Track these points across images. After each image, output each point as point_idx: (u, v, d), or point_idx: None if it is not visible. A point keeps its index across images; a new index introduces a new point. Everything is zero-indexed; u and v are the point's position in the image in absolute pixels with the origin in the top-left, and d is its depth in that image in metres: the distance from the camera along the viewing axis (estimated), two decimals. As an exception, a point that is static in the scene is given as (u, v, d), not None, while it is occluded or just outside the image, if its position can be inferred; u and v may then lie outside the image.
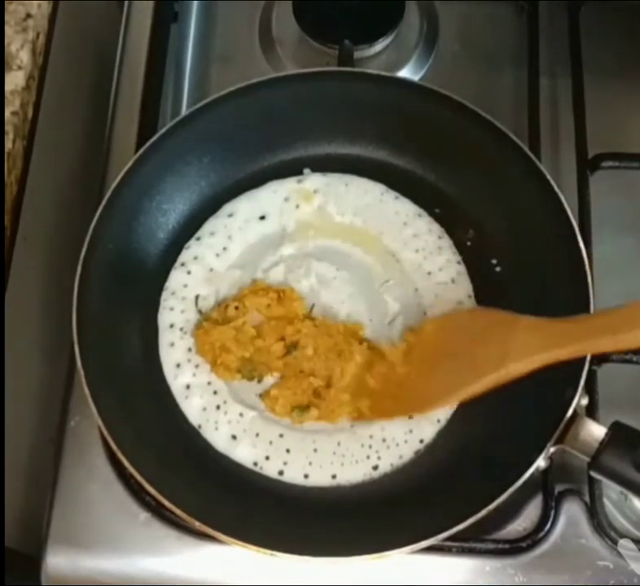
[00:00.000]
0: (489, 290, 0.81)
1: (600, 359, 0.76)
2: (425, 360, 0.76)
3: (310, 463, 0.76)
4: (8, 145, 0.77)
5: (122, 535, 0.75)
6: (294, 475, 0.76)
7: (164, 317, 0.80)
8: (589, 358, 0.71)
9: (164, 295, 0.81)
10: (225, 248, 0.83)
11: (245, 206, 0.84)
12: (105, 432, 0.71)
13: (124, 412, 0.74)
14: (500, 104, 0.90)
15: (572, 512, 0.75)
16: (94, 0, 0.99)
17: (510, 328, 0.70)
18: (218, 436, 0.77)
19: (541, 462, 0.70)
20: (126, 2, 0.93)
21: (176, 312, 0.80)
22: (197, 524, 0.69)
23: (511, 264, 0.81)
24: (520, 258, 0.81)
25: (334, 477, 0.76)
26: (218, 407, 0.77)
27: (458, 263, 0.82)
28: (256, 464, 0.76)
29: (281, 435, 0.77)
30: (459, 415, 0.78)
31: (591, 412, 0.75)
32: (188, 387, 0.78)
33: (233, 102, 0.82)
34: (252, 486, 0.75)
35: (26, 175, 0.82)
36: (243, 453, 0.76)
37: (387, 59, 0.93)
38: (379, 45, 0.91)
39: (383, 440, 0.77)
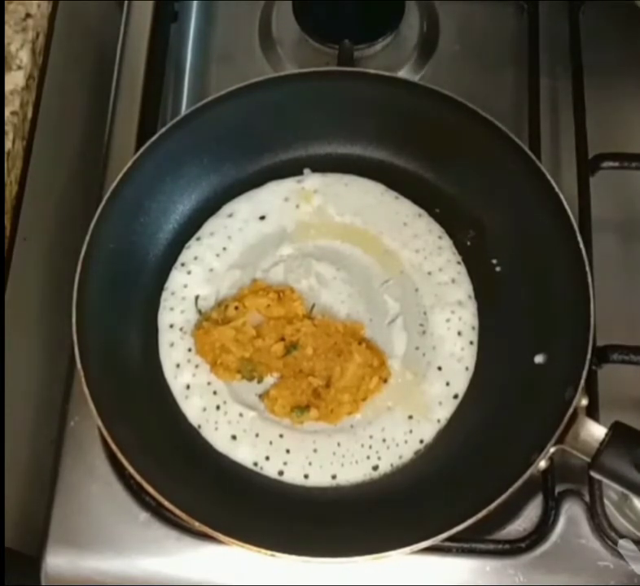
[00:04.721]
0: (489, 290, 0.81)
1: (600, 359, 0.76)
2: None
3: (310, 463, 0.76)
4: (8, 145, 0.77)
5: (122, 535, 0.75)
6: (294, 475, 0.76)
7: (164, 317, 0.80)
8: (589, 358, 0.71)
9: (164, 295, 0.81)
10: (225, 248, 0.83)
11: (245, 206, 0.84)
12: (105, 432, 0.71)
13: (124, 412, 0.74)
14: (500, 104, 0.90)
15: (572, 512, 0.75)
16: (93, 0, 0.99)
17: None
18: (218, 436, 0.77)
19: (541, 462, 0.70)
20: (126, 2, 0.93)
21: (176, 312, 0.80)
22: (197, 524, 0.69)
23: (511, 264, 0.81)
24: (520, 258, 0.81)
25: (334, 477, 0.76)
26: (218, 407, 0.77)
27: (458, 263, 0.82)
28: (256, 464, 0.76)
29: (281, 436, 0.77)
30: (459, 415, 0.78)
31: (591, 412, 0.75)
32: (188, 387, 0.78)
33: (233, 102, 0.82)
34: (252, 486, 0.75)
35: (26, 175, 0.82)
36: (243, 453, 0.76)
37: (387, 59, 0.93)
38: (379, 45, 0.91)
39: (383, 440, 0.77)
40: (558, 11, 0.93)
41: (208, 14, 0.98)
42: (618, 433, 0.68)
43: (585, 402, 0.73)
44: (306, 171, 0.86)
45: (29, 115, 0.82)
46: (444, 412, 0.78)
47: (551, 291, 0.77)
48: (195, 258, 0.82)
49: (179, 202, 0.83)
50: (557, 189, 0.77)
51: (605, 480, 0.69)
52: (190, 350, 0.79)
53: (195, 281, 0.82)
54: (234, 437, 0.77)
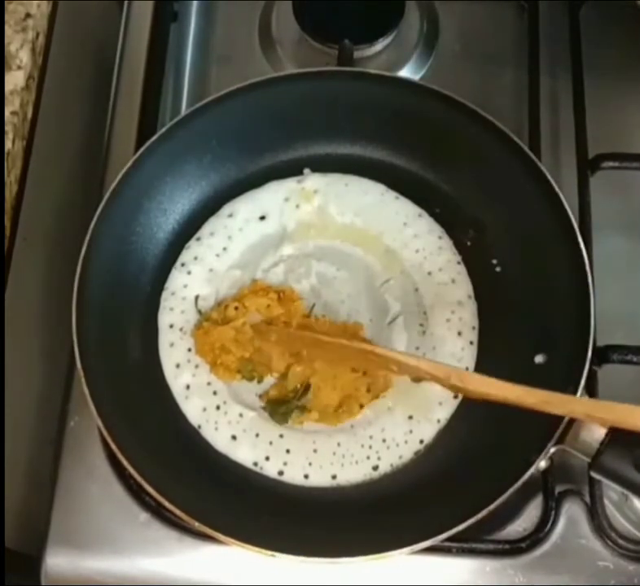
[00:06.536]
0: (489, 290, 0.81)
1: (600, 359, 0.76)
2: None
3: (310, 463, 0.76)
4: (8, 145, 0.77)
5: (122, 535, 0.75)
6: (294, 475, 0.76)
7: (164, 317, 0.80)
8: (589, 358, 0.71)
9: (164, 295, 0.81)
10: (225, 248, 0.83)
11: (245, 206, 0.84)
12: (105, 432, 0.71)
13: (124, 412, 0.74)
14: (500, 104, 0.90)
15: (572, 512, 0.75)
16: (93, 0, 0.99)
17: None
18: (218, 436, 0.77)
19: (541, 462, 0.70)
20: (126, 2, 0.93)
21: (176, 312, 0.80)
22: (197, 524, 0.69)
23: (511, 264, 0.81)
24: (520, 258, 0.81)
25: (334, 477, 0.76)
26: (218, 407, 0.77)
27: (458, 263, 0.82)
28: (256, 464, 0.76)
29: (281, 436, 0.77)
30: (459, 415, 0.78)
31: (591, 412, 0.75)
32: (188, 387, 0.78)
33: (232, 103, 0.82)
34: (252, 486, 0.75)
35: (26, 175, 0.82)
36: (243, 453, 0.76)
37: (388, 59, 0.93)
38: (379, 45, 0.91)
39: (383, 441, 0.77)
40: (558, 11, 0.93)
41: (208, 14, 0.98)
42: (618, 433, 0.68)
43: (585, 402, 0.73)
44: (306, 171, 0.86)
45: (29, 115, 0.82)
46: (444, 412, 0.78)
47: (551, 291, 0.77)
48: (195, 258, 0.82)
49: (179, 202, 0.83)
50: (557, 189, 0.77)
51: (605, 480, 0.69)
52: (190, 350, 0.79)
53: (195, 281, 0.82)
54: (234, 437, 0.77)
